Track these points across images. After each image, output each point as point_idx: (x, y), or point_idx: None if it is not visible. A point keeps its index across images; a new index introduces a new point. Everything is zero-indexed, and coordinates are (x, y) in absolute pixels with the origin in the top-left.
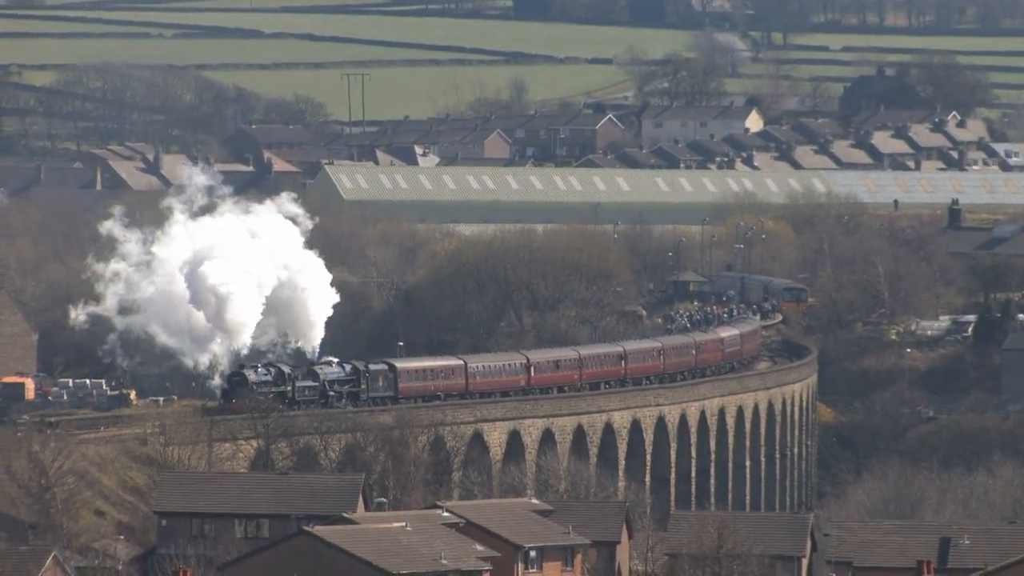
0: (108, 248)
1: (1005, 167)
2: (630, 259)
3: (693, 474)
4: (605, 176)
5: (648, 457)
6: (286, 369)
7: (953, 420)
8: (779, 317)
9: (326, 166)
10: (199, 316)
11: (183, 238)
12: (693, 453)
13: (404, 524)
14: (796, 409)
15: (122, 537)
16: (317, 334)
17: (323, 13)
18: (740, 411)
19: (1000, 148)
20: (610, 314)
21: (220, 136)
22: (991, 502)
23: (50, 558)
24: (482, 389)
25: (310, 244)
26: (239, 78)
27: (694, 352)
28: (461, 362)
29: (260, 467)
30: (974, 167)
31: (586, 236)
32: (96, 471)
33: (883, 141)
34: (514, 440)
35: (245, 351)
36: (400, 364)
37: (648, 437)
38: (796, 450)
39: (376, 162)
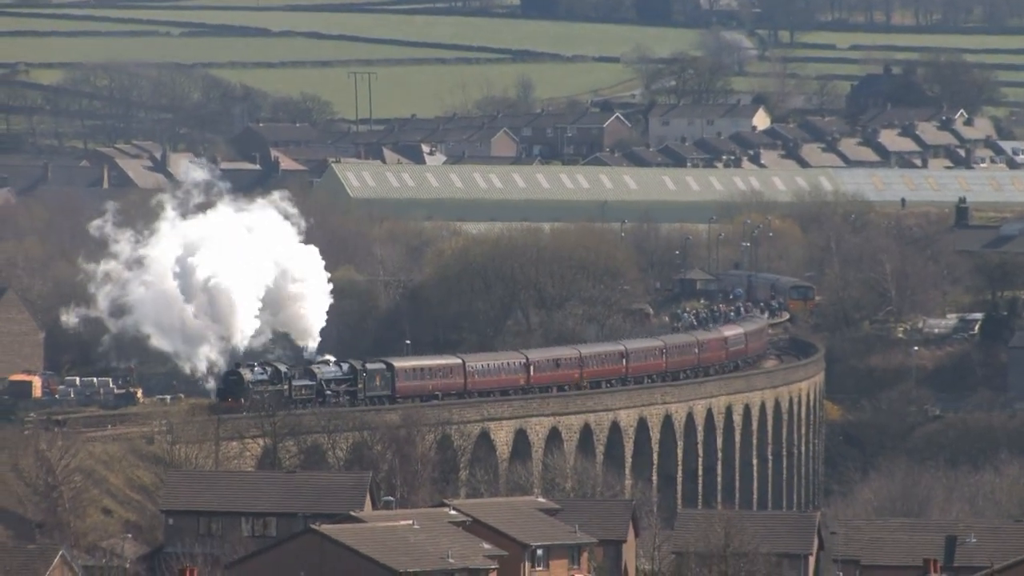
0: (99, 248)
1: (1012, 165)
2: (637, 257)
3: (700, 472)
4: (612, 174)
5: (655, 455)
6: (282, 368)
7: (960, 418)
8: (786, 315)
9: (333, 164)
10: (191, 314)
11: (174, 235)
12: (700, 451)
13: (411, 523)
14: (803, 407)
15: (129, 536)
16: (315, 332)
17: (330, 11)
18: (747, 409)
19: (1007, 146)
20: (617, 312)
21: (227, 134)
22: (998, 500)
23: (57, 557)
24: (481, 388)
25: (308, 242)
26: (246, 76)
27: (697, 351)
28: (459, 361)
29: (267, 466)
30: (981, 165)
31: (593, 234)
32: (103, 469)
33: (890, 139)
34: (521, 439)
35: (244, 343)
36: (398, 363)
37: (655, 436)
38: (803, 448)
39: (383, 160)
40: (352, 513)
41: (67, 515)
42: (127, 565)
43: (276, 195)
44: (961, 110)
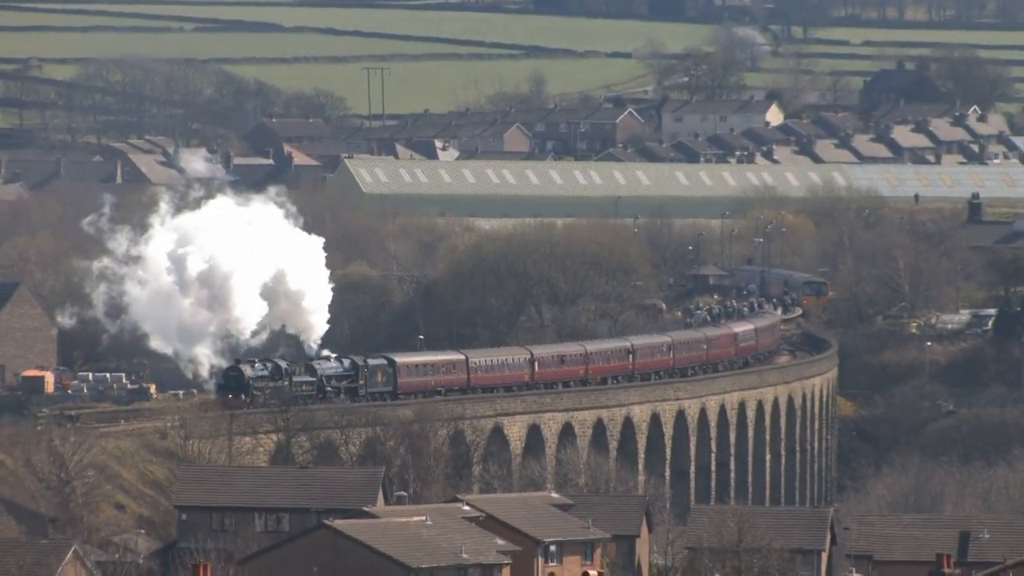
0: (95, 245)
1: None
2: (650, 253)
3: (713, 468)
4: (625, 170)
5: (668, 451)
6: (283, 364)
7: (973, 414)
8: (799, 311)
9: (346, 160)
10: (189, 308)
11: (168, 230)
12: (713, 447)
13: (424, 518)
14: (816, 403)
15: (142, 531)
16: (317, 328)
17: (343, 7)
18: (760, 405)
19: (1020, 142)
20: (630, 308)
21: (240, 130)
22: (1011, 496)
23: (70, 552)
24: (484, 384)
25: (320, 236)
26: (259, 72)
27: (704, 347)
28: (462, 357)
29: (280, 461)
30: (994, 161)
31: (606, 230)
32: (116, 465)
33: (903, 135)
34: (534, 434)
35: (247, 331)
36: (400, 359)
37: (668, 431)
38: (816, 444)
39: (396, 156)
40: (365, 508)
41: (80, 510)
42: (140, 560)
43: (273, 190)
44: (974, 106)
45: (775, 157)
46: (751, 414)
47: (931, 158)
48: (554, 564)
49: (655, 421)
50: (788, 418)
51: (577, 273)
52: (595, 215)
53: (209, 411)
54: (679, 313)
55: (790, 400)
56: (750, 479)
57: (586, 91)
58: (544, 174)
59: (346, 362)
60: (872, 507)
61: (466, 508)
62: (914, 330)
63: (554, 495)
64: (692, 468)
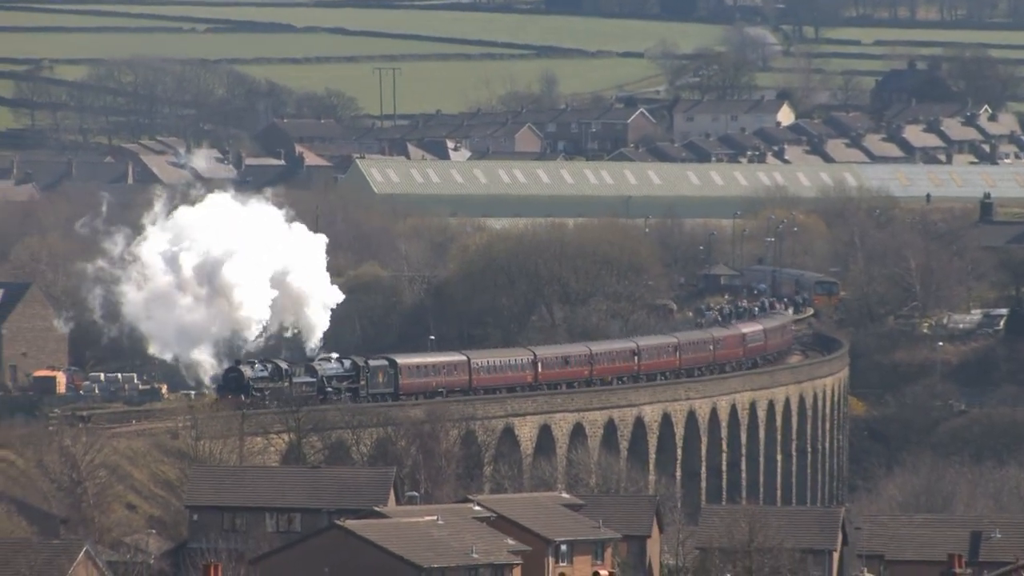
0: (92, 247)
1: None
2: (661, 253)
3: (724, 468)
4: (636, 170)
5: (679, 451)
6: (283, 365)
7: (984, 413)
8: (810, 311)
9: (357, 160)
10: (186, 308)
11: (164, 229)
12: (724, 447)
13: (435, 518)
14: (827, 403)
15: (153, 531)
16: (319, 328)
17: (355, 7)
18: (771, 405)
19: None
20: (641, 308)
21: (252, 130)
22: (1022, 496)
23: (82, 552)
24: (486, 385)
25: (331, 237)
26: (271, 72)
27: (712, 348)
28: (464, 358)
29: (292, 461)
30: (1006, 161)
31: (617, 230)
32: (128, 465)
33: (915, 135)
34: (545, 434)
35: (252, 331)
36: (401, 360)
37: (679, 431)
38: (827, 444)
39: (407, 156)
40: (376, 508)
41: (91, 511)
42: (151, 561)
43: (269, 192)
44: (985, 106)
45: (786, 157)
46: (762, 414)
47: (942, 158)
48: (565, 564)
49: (666, 421)
50: (799, 418)
51: (588, 273)
52: (606, 215)
53: (220, 411)
54: (690, 313)
55: (801, 400)
56: (761, 479)
57: (597, 91)
58: (555, 174)
59: (347, 363)
60: (883, 507)
61: (477, 508)
62: (925, 330)
63: (565, 495)
64: (703, 468)
